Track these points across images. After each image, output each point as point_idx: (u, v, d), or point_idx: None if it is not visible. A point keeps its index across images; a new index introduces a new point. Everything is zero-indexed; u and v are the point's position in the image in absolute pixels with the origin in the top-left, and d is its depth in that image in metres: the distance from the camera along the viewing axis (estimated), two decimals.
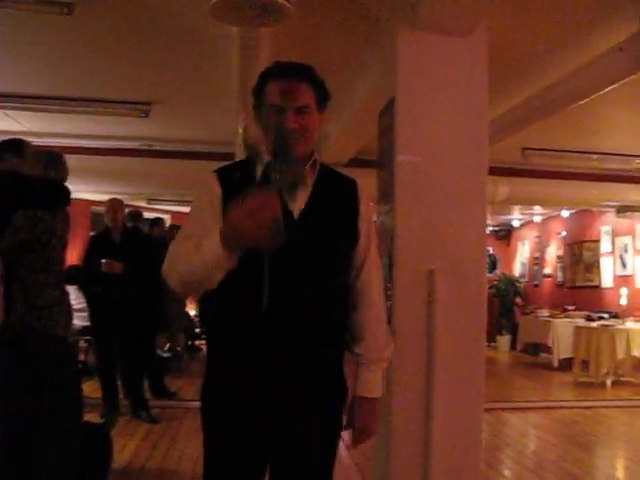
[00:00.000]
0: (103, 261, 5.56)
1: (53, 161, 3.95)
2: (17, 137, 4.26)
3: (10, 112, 6.42)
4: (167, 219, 10.53)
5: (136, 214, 7.18)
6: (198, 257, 1.86)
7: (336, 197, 2.15)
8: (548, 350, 10.66)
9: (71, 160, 4.13)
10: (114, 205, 5.99)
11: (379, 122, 3.51)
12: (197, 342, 9.98)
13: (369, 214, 2.20)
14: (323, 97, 2.10)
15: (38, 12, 3.89)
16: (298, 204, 2.08)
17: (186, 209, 11.38)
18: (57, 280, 3.81)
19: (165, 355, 8.27)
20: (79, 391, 1.80)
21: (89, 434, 1.82)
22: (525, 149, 7.45)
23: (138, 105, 6.06)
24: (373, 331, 2.14)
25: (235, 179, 2.09)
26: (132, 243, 5.97)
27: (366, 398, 2.13)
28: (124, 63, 5.04)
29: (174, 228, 8.68)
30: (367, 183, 2.30)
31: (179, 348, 8.59)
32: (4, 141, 4.15)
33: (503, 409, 6.97)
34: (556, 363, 10.10)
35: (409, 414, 3.04)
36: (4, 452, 1.63)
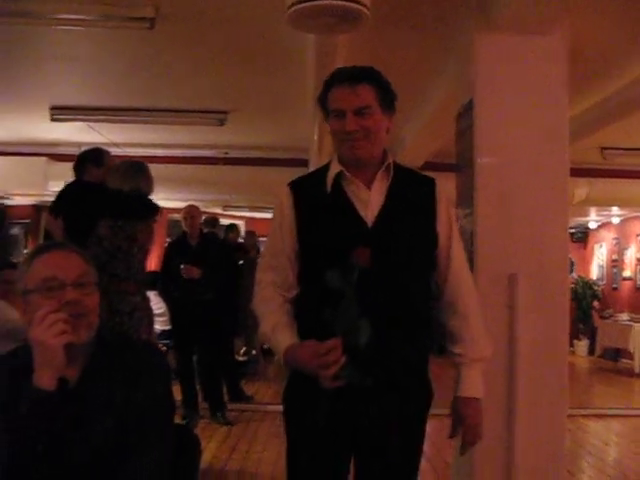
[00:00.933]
0: (182, 266, 5.69)
1: (138, 171, 4.09)
2: (98, 147, 4.41)
3: (93, 124, 6.65)
4: (242, 225, 10.66)
5: (212, 220, 7.32)
6: (267, 330, 2.03)
7: (412, 199, 2.10)
8: (629, 356, 10.34)
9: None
10: (192, 211, 6.12)
11: (456, 125, 3.49)
12: None
13: (449, 214, 2.15)
14: (387, 97, 2.05)
15: (121, 28, 4.02)
16: (372, 210, 2.05)
17: (260, 215, 11.57)
18: (138, 287, 3.94)
19: (241, 359, 8.39)
20: (170, 392, 1.85)
21: (178, 435, 1.86)
22: (604, 149, 7.26)
23: (214, 114, 6.17)
24: (473, 330, 2.11)
25: (307, 191, 2.12)
26: (209, 248, 6.10)
27: (472, 398, 2.10)
28: (201, 73, 5.14)
29: (252, 235, 8.80)
30: (443, 187, 2.29)
31: (255, 352, 8.68)
32: (85, 151, 4.31)
33: (584, 416, 6.79)
34: (638, 369, 9.79)
35: (491, 420, 2.99)
36: (101, 453, 1.69)
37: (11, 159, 8.03)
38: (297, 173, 7.48)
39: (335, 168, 2.07)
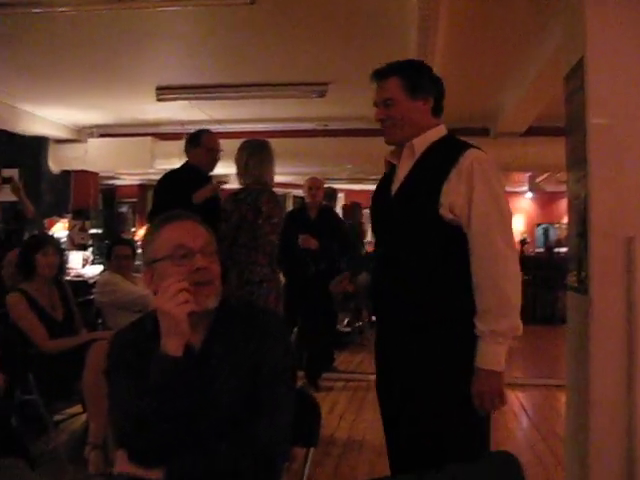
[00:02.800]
0: (300, 236, 5.76)
1: (258, 147, 4.19)
2: (202, 128, 4.52)
3: (194, 102, 6.80)
4: (341, 198, 10.70)
5: (331, 193, 7.36)
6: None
7: (433, 166, 2.24)
8: None
9: None
10: (316, 183, 6.18)
11: (565, 86, 3.35)
12: None
13: (472, 183, 2.16)
14: (415, 84, 2.26)
15: (222, 5, 4.08)
16: (396, 185, 2.31)
17: (360, 187, 11.55)
18: (268, 259, 4.06)
19: (344, 330, 8.45)
20: (291, 355, 1.89)
21: (298, 397, 1.91)
22: None
23: (314, 86, 6.19)
24: (483, 303, 2.12)
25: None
26: (326, 220, 6.15)
27: (480, 369, 2.13)
28: (301, 46, 5.16)
29: (357, 206, 8.79)
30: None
31: (360, 323, 8.74)
32: (189, 135, 4.42)
33: None
34: None
35: (609, 393, 2.89)
36: (226, 415, 1.75)
37: (119, 140, 8.34)
38: None
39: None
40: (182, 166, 4.29)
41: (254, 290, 3.97)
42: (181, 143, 4.44)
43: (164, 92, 6.20)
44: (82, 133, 8.54)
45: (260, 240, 3.98)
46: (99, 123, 8.31)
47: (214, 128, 7.41)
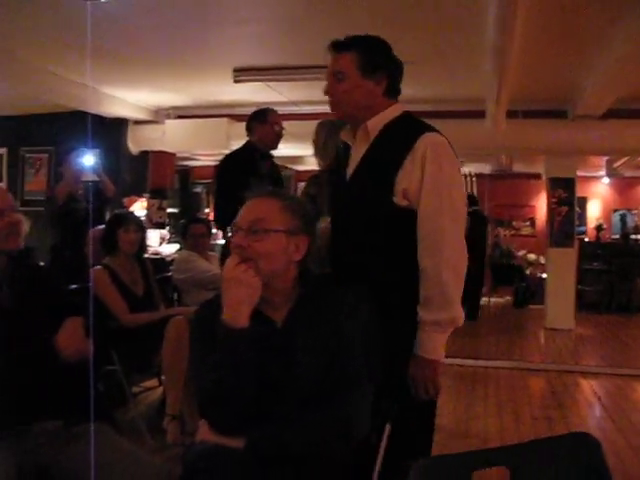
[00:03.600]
0: None
1: (336, 127, 4.18)
2: (266, 107, 4.53)
3: (272, 84, 6.86)
4: None
5: None
6: None
7: (388, 152, 2.15)
8: None
9: None
10: None
11: None
12: None
13: (426, 168, 2.06)
14: (369, 62, 2.15)
15: None
16: (351, 167, 2.24)
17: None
18: None
19: None
20: (375, 332, 1.92)
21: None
22: None
23: None
24: (425, 292, 2.07)
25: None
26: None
27: (418, 356, 2.11)
28: (376, 28, 5.13)
29: None
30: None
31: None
32: (253, 112, 4.45)
33: None
34: None
35: None
36: (308, 390, 1.80)
37: (196, 121, 8.50)
38: (473, 125, 7.43)
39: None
40: (242, 146, 4.33)
41: None
42: None
43: (241, 74, 6.28)
44: (160, 114, 8.75)
45: None
46: (176, 105, 8.49)
47: (289, 110, 7.51)
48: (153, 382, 4.72)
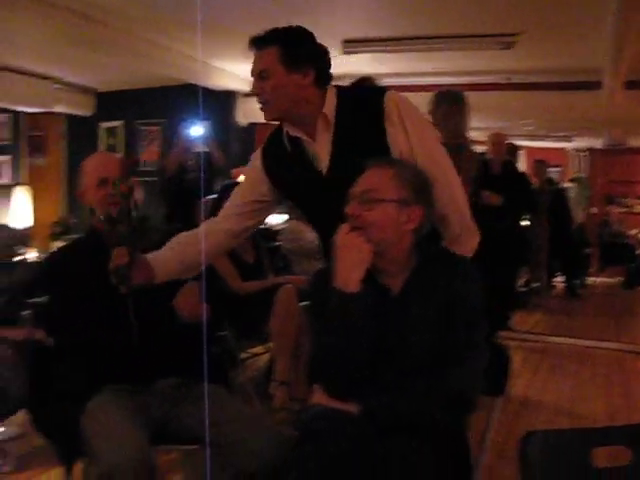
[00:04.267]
0: (483, 192, 5.68)
1: (455, 99, 4.11)
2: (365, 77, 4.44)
3: (376, 55, 6.81)
4: (522, 154, 10.32)
5: (512, 148, 7.19)
6: None
7: (360, 126, 2.07)
8: None
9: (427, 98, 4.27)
10: (499, 138, 6.07)
11: None
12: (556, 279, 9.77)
13: (404, 124, 2.06)
14: (292, 56, 2.06)
15: None
16: (323, 160, 2.12)
17: (541, 144, 11.12)
18: None
19: (521, 289, 8.27)
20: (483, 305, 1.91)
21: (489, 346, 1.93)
22: None
23: (501, 37, 6.00)
24: (454, 232, 2.16)
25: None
26: (510, 176, 6.03)
27: None
28: None
29: (542, 164, 8.53)
30: (397, 98, 2.11)
31: (538, 284, 8.55)
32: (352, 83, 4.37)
33: None
34: None
35: None
36: (421, 359, 1.81)
37: None
38: (588, 97, 7.11)
39: (286, 127, 2.19)
40: None
41: None
42: None
43: (351, 45, 6.26)
44: None
45: None
46: None
47: (397, 81, 7.44)
48: (259, 349, 4.84)
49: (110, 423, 2.20)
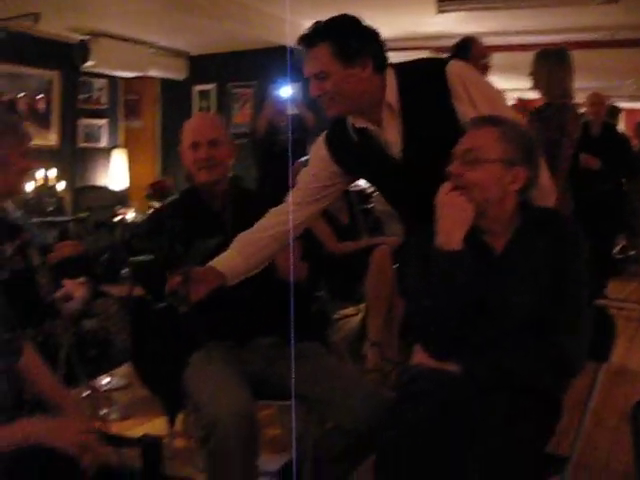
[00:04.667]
0: (581, 155, 5.50)
1: (561, 57, 3.97)
2: (467, 36, 4.32)
3: (476, 14, 6.62)
4: (622, 116, 9.89)
5: (614, 110, 6.93)
6: None
7: (426, 106, 2.00)
8: None
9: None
10: (598, 99, 5.86)
11: None
12: None
13: (470, 93, 1.99)
14: (347, 50, 1.96)
15: None
16: (395, 147, 2.06)
17: None
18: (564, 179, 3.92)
19: (618, 257, 8.01)
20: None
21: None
22: None
23: None
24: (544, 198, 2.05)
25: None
26: (609, 139, 5.83)
27: None
28: None
29: None
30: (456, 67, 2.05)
31: (634, 252, 8.26)
32: (454, 45, 4.26)
33: None
34: None
35: None
36: (521, 321, 1.79)
37: (397, 54, 8.41)
38: None
39: (350, 119, 2.11)
40: None
41: None
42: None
43: (446, 3, 6.12)
44: None
45: (558, 160, 3.80)
46: None
47: (492, 41, 7.21)
48: (351, 310, 4.88)
49: (213, 377, 2.27)
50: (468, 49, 4.08)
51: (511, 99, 9.18)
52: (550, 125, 3.74)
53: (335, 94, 2.02)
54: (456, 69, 2.04)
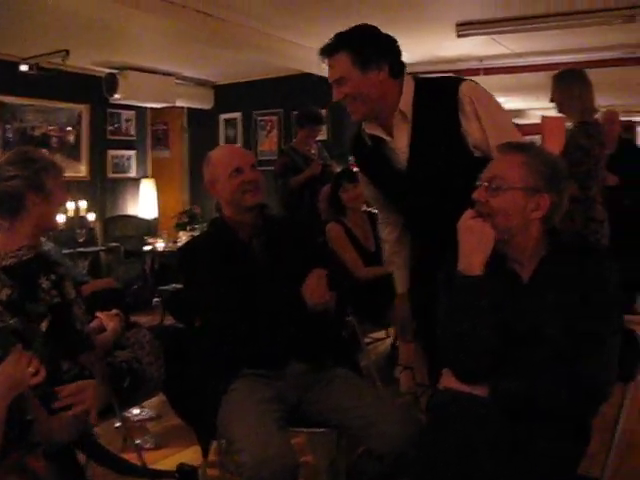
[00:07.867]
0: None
1: (584, 77, 4.02)
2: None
3: (496, 37, 6.66)
4: None
5: (629, 126, 6.90)
6: None
7: (435, 120, 2.12)
8: None
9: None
10: (612, 117, 5.86)
11: None
12: None
13: (475, 109, 2.10)
14: (364, 57, 2.12)
15: None
16: (402, 157, 2.19)
17: None
18: (603, 196, 4.04)
19: None
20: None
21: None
22: None
23: (622, 10, 5.75)
24: None
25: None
26: (627, 154, 5.79)
27: None
28: None
29: None
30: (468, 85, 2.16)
31: None
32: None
33: None
34: None
35: None
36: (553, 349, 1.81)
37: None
38: None
39: (364, 125, 2.30)
40: None
41: (598, 229, 3.91)
42: (482, 79, 4.42)
43: (465, 28, 6.15)
44: None
45: (599, 172, 3.89)
46: None
47: (514, 62, 7.27)
48: (381, 334, 4.90)
49: (251, 415, 2.23)
50: None
51: (536, 117, 9.21)
52: (595, 141, 3.82)
53: (355, 97, 2.17)
54: (468, 87, 2.17)
